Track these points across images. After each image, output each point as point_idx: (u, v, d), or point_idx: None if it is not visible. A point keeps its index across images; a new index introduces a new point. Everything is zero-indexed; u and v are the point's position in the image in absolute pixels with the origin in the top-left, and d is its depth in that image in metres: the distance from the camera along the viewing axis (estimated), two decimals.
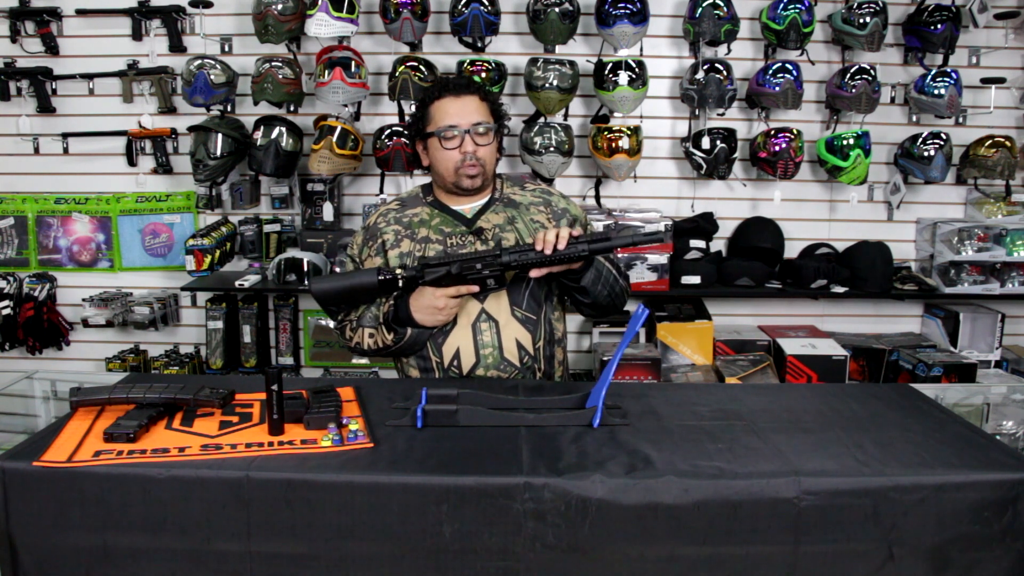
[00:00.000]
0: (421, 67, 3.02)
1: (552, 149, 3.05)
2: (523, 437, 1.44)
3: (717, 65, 3.06)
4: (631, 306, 1.87)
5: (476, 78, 2.98)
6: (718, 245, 3.36)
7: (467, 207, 1.93)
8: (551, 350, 1.93)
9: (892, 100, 3.28)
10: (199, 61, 3.06)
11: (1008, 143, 3.15)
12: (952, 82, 3.07)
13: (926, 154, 3.13)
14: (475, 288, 1.77)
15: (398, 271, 1.78)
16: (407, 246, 1.89)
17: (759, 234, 3.29)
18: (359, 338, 1.91)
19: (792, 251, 3.35)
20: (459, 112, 1.85)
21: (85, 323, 3.32)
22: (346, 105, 3.07)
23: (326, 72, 2.96)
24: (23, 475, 1.31)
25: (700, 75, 3.04)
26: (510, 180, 2.02)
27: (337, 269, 3.07)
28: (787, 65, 3.06)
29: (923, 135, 3.15)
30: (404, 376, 1.97)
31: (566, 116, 3.18)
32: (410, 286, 1.80)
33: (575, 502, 1.27)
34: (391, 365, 3.39)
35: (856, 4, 3.01)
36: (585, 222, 2.00)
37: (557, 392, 1.70)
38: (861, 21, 3.00)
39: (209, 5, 3.12)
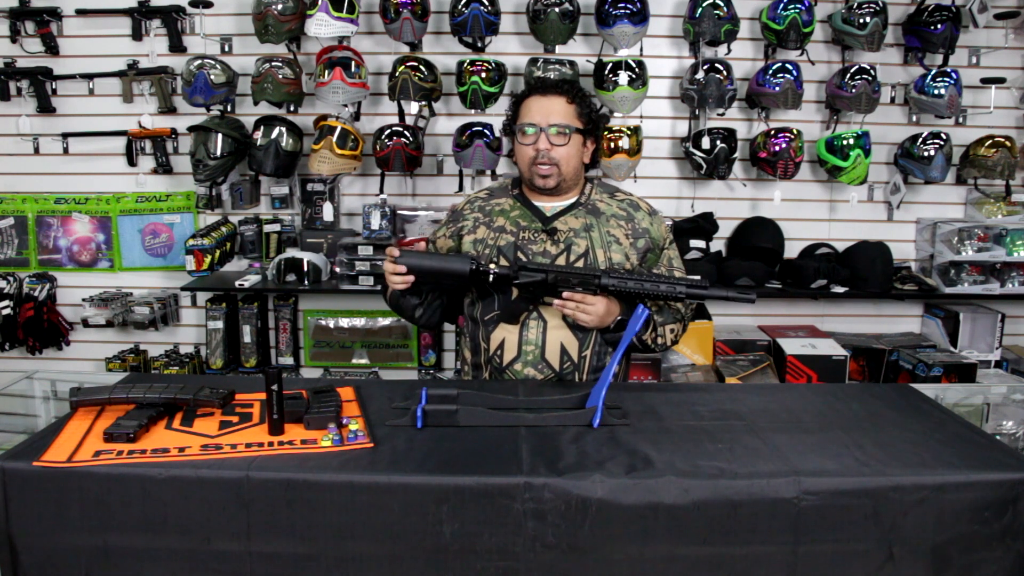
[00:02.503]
0: (421, 67, 3.02)
1: None
2: (523, 437, 1.44)
3: (717, 65, 3.05)
4: None
5: (476, 78, 2.99)
6: (718, 245, 3.35)
7: (548, 205, 1.94)
8: (601, 361, 1.91)
9: (892, 100, 3.28)
10: (199, 61, 3.06)
11: (1008, 143, 3.15)
12: (952, 82, 3.07)
13: (926, 154, 3.13)
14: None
15: (491, 266, 1.78)
16: (482, 233, 1.92)
17: (759, 234, 3.28)
18: None
19: (792, 251, 3.35)
20: (540, 111, 1.87)
21: (85, 323, 3.32)
22: (346, 105, 3.07)
23: (326, 72, 2.96)
24: (23, 475, 1.31)
25: (700, 75, 3.04)
26: (602, 187, 2.00)
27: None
28: (787, 65, 3.06)
29: (923, 135, 3.15)
30: (461, 357, 2.02)
31: None
32: (500, 283, 1.80)
33: (575, 502, 1.27)
34: (392, 366, 3.44)
35: (856, 4, 3.01)
36: (665, 247, 1.96)
37: (557, 392, 1.71)
38: (861, 21, 3.00)
39: (209, 5, 3.12)
